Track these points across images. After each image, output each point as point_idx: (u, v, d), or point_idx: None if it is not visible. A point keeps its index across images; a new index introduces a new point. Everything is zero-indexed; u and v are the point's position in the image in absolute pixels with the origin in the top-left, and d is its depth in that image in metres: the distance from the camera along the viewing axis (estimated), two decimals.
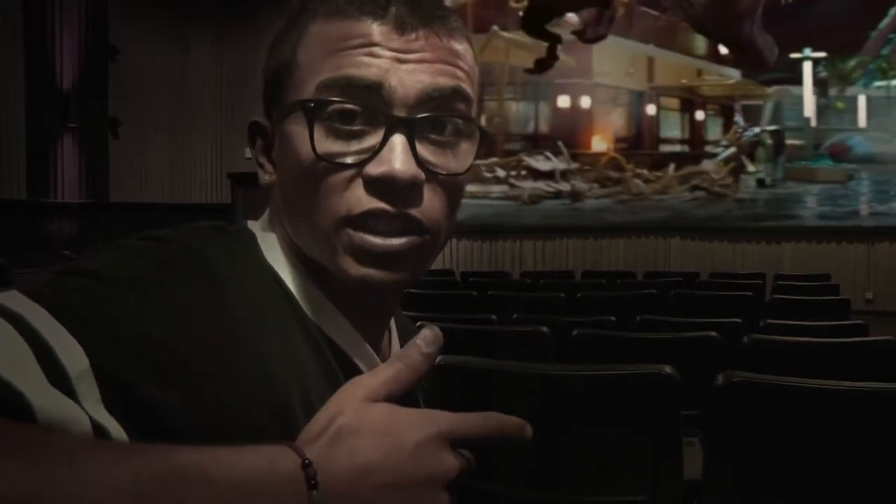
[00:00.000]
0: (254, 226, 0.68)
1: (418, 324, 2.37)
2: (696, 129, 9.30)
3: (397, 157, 0.58)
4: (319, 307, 0.64)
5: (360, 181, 0.59)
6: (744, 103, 9.22)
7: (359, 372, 0.64)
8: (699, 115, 9.33)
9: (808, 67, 8.95)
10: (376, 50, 0.59)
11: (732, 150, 9.11)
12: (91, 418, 0.47)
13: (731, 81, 9.32)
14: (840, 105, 8.96)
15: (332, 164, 0.59)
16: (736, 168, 9.03)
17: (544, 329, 2.55)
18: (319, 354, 0.61)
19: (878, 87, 8.82)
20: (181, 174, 9.63)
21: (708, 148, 9.25)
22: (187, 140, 9.56)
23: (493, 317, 3.21)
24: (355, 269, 0.60)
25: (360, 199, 0.59)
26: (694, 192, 9.07)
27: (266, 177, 0.66)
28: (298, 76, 0.62)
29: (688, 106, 9.39)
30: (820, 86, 8.96)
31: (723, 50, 9.19)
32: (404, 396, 0.72)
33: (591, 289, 5.03)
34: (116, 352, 0.49)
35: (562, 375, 1.62)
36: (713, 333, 2.47)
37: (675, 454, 1.54)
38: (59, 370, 0.47)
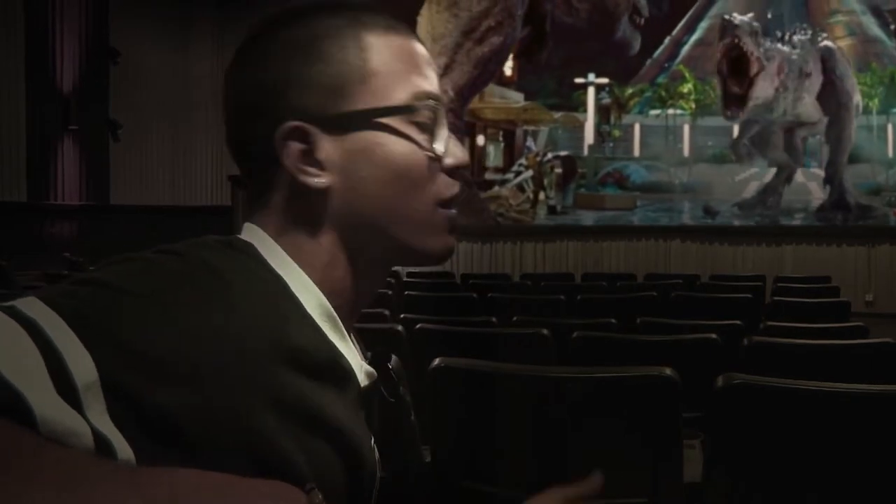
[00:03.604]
0: (248, 239, 0.66)
1: (418, 326, 2.36)
2: (474, 155, 8.88)
3: (460, 148, 0.70)
4: (323, 313, 0.65)
5: (439, 169, 0.69)
6: (527, 128, 9.09)
7: (353, 373, 0.66)
8: (479, 139, 9.06)
9: (591, 93, 8.94)
10: (429, 67, 0.70)
11: (530, 173, 8.98)
12: (94, 430, 0.47)
13: (518, 105, 9.10)
14: (616, 133, 9.05)
15: (434, 156, 0.68)
16: (536, 193, 8.96)
17: (544, 331, 2.54)
18: (327, 359, 0.63)
19: (656, 116, 8.95)
20: (181, 176, 9.62)
21: (488, 175, 9.08)
22: (187, 142, 9.55)
23: (494, 319, 3.20)
24: (446, 241, 0.70)
25: (449, 184, 0.70)
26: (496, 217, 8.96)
27: (314, 179, 0.65)
28: (379, 83, 0.66)
29: (468, 129, 8.96)
30: (603, 112, 8.98)
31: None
32: (393, 398, 0.73)
33: (591, 291, 5.03)
34: (126, 363, 0.50)
35: (562, 378, 1.62)
36: (713, 336, 2.46)
37: (675, 456, 1.54)
38: (68, 380, 0.47)
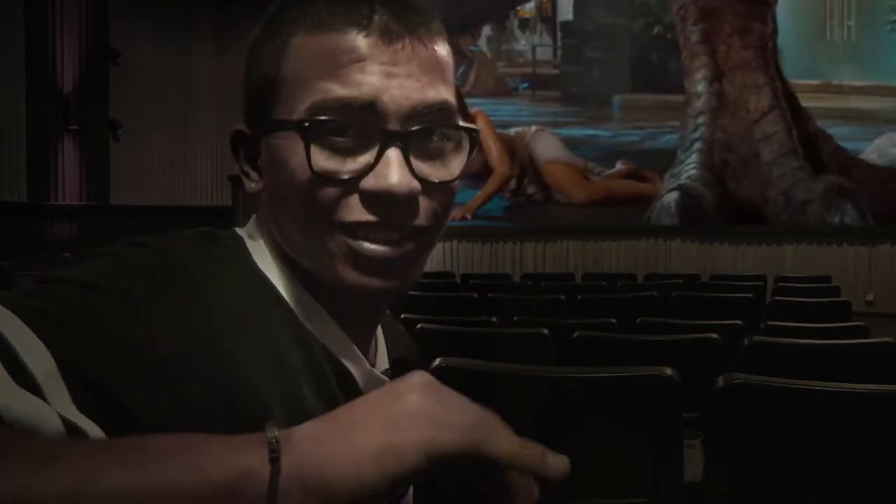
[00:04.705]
0: (241, 232, 0.67)
1: (418, 326, 2.35)
2: None
3: (394, 171, 0.58)
4: (310, 312, 0.64)
5: (355, 193, 0.59)
6: None
7: (349, 376, 0.65)
8: None
9: None
10: (366, 66, 0.59)
11: None
12: (63, 417, 0.46)
13: None
14: None
15: (328, 179, 0.59)
16: None
17: (545, 331, 2.54)
18: (310, 358, 0.61)
19: None
20: (182, 176, 9.62)
21: None
22: (188, 142, 9.56)
23: (494, 319, 3.20)
24: (354, 276, 0.60)
25: (354, 210, 0.59)
26: None
27: (252, 185, 0.66)
28: (287, 91, 0.61)
29: None
30: None
31: None
32: None
33: (591, 291, 5.02)
34: (85, 352, 0.49)
35: (562, 378, 1.62)
36: (714, 335, 2.46)
37: (675, 456, 1.54)
38: (24, 371, 0.47)
